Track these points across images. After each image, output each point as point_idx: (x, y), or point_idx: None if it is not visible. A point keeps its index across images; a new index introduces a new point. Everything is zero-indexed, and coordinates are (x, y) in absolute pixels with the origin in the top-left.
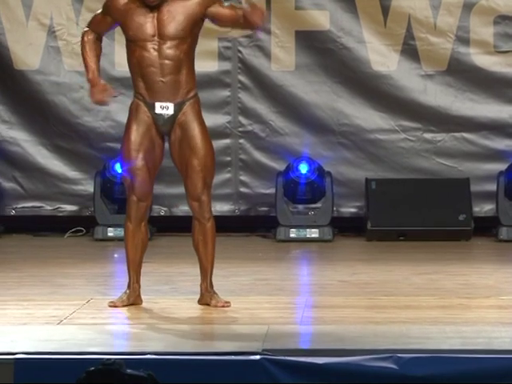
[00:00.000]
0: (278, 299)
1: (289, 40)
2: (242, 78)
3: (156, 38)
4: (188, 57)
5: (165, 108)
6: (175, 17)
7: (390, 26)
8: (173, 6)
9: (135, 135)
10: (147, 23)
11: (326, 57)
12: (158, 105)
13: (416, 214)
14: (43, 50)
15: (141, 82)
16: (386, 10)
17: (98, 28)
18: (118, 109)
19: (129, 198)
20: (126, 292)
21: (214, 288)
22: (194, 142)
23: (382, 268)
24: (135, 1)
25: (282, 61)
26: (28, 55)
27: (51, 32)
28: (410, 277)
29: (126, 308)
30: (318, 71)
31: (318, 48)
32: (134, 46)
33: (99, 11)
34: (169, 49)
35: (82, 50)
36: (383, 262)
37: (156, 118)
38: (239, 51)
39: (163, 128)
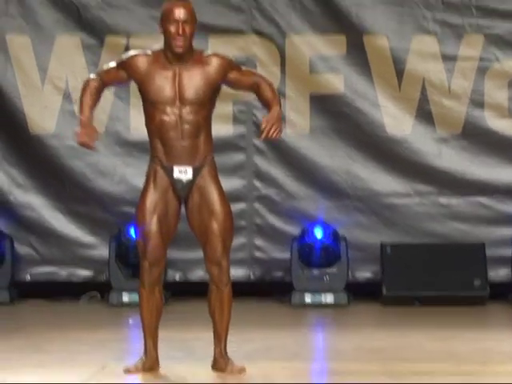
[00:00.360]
0: (293, 365)
1: (303, 104)
2: (256, 141)
3: (177, 102)
4: (206, 121)
5: (183, 172)
6: (195, 82)
7: (405, 90)
8: (193, 70)
9: (151, 199)
10: (168, 87)
11: (341, 120)
12: (176, 169)
13: (431, 279)
14: (59, 114)
15: (159, 145)
16: (400, 73)
17: (109, 79)
18: (134, 173)
19: (141, 262)
20: (142, 358)
21: (229, 353)
22: (213, 207)
23: (397, 333)
24: (155, 62)
25: (296, 124)
26: (43, 119)
27: (67, 95)
28: (425, 342)
29: (141, 374)
30: (333, 135)
31: (332, 112)
32: (153, 109)
33: (113, 64)
34: (189, 113)
35: (83, 92)
36: (398, 328)
37: (174, 182)
38: (254, 114)
39: (181, 192)
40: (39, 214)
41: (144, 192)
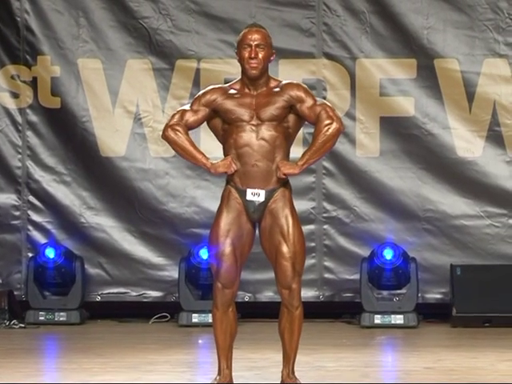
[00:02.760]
0: None
1: (374, 126)
2: (326, 163)
3: (254, 123)
4: (284, 142)
5: (256, 195)
6: (271, 104)
7: (475, 112)
8: (269, 93)
9: (225, 221)
10: (246, 108)
11: (411, 143)
12: (249, 191)
13: (501, 301)
14: (129, 137)
15: None
16: (471, 96)
17: (192, 121)
18: (203, 195)
19: (214, 284)
20: (216, 378)
21: (297, 374)
22: (285, 230)
23: (467, 355)
24: (232, 89)
25: (366, 147)
26: (114, 142)
27: (137, 119)
28: (495, 363)
29: None
30: (403, 157)
31: (402, 134)
32: (231, 131)
33: (188, 106)
34: (266, 130)
35: (177, 142)
36: (468, 349)
37: (247, 204)
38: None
39: (254, 215)
40: (109, 235)
41: (218, 214)
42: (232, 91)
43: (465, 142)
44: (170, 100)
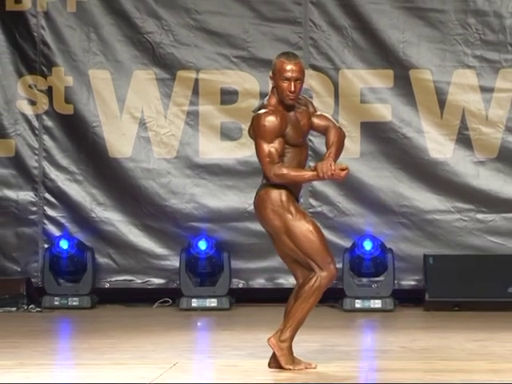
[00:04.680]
0: (345, 363)
1: (355, 130)
2: (312, 164)
3: (302, 141)
4: None
5: None
6: (304, 123)
7: (446, 118)
8: (302, 113)
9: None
10: (297, 130)
11: (388, 145)
12: None
13: (469, 287)
14: (135, 140)
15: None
16: (442, 103)
17: (280, 154)
18: (201, 192)
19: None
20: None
21: None
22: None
23: (438, 335)
24: (282, 112)
25: (348, 149)
26: (121, 144)
27: (142, 124)
28: (464, 343)
29: (208, 370)
30: (381, 158)
31: (380, 137)
32: (291, 152)
33: (267, 143)
34: (305, 152)
35: (286, 178)
36: (440, 330)
37: None
38: (310, 140)
39: None
40: (117, 228)
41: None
42: (285, 117)
43: (437, 145)
44: (171, 107)
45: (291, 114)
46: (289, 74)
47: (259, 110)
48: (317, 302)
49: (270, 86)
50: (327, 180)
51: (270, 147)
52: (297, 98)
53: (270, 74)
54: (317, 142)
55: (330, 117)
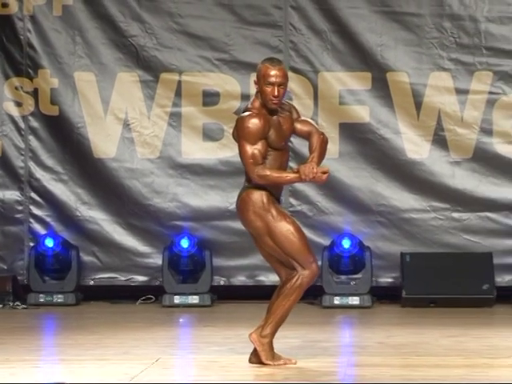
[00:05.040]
0: (324, 359)
1: (333, 131)
2: (292, 164)
3: (284, 145)
4: None
5: None
6: (288, 126)
7: (423, 119)
8: (285, 117)
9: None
10: (280, 133)
11: (366, 146)
12: None
13: (445, 284)
14: (119, 141)
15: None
16: (419, 105)
17: (263, 155)
18: (184, 192)
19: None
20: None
21: None
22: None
23: (414, 331)
24: (266, 115)
25: (327, 150)
26: (106, 145)
27: (126, 125)
28: (439, 339)
29: (190, 366)
30: (359, 158)
31: (359, 138)
32: (275, 153)
33: (250, 145)
34: (286, 155)
35: (268, 179)
36: (416, 326)
37: None
38: (290, 141)
39: None
40: (101, 227)
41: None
42: (267, 120)
43: (413, 145)
44: (154, 108)
45: (274, 117)
46: (272, 79)
47: (243, 112)
48: (298, 300)
49: (255, 89)
50: (309, 182)
51: (254, 149)
52: (280, 102)
53: (255, 78)
54: (297, 143)
55: (313, 122)
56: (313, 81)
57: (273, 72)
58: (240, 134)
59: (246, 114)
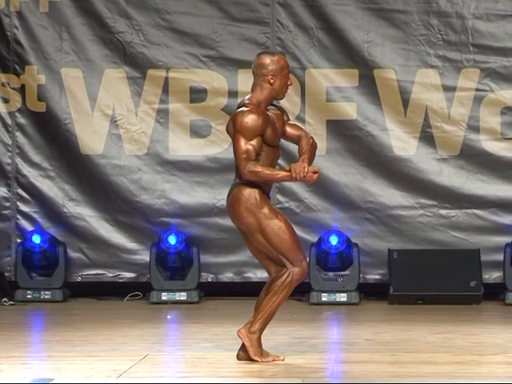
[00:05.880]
0: (312, 355)
1: (321, 128)
2: (280, 161)
3: (277, 142)
4: None
5: None
6: (280, 125)
7: (410, 116)
8: (274, 116)
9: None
10: (275, 131)
11: (354, 143)
12: None
13: (433, 281)
14: (106, 137)
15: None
16: (406, 102)
17: (258, 152)
18: (171, 188)
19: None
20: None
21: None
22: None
23: (402, 328)
24: (263, 112)
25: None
26: (93, 141)
27: (113, 121)
28: (427, 336)
29: (178, 362)
30: (347, 155)
31: (346, 135)
32: (268, 151)
33: (246, 140)
34: (277, 152)
35: (259, 175)
36: (404, 323)
37: None
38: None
39: None
40: (89, 223)
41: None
42: (265, 117)
43: (401, 142)
44: (142, 105)
45: (270, 114)
46: (288, 69)
47: (240, 107)
48: (287, 297)
49: (256, 86)
50: (299, 181)
51: (249, 144)
52: None
53: (268, 76)
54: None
55: (303, 126)
56: (300, 78)
57: (286, 62)
58: (237, 129)
59: (245, 109)
